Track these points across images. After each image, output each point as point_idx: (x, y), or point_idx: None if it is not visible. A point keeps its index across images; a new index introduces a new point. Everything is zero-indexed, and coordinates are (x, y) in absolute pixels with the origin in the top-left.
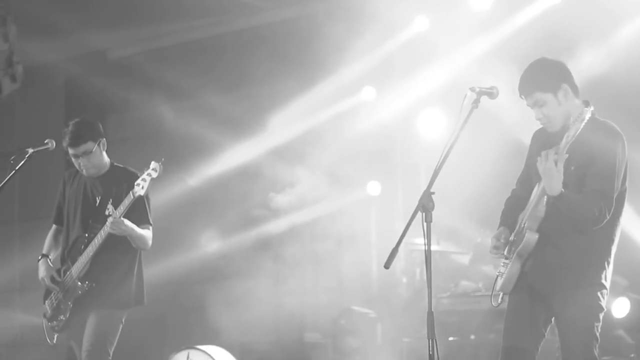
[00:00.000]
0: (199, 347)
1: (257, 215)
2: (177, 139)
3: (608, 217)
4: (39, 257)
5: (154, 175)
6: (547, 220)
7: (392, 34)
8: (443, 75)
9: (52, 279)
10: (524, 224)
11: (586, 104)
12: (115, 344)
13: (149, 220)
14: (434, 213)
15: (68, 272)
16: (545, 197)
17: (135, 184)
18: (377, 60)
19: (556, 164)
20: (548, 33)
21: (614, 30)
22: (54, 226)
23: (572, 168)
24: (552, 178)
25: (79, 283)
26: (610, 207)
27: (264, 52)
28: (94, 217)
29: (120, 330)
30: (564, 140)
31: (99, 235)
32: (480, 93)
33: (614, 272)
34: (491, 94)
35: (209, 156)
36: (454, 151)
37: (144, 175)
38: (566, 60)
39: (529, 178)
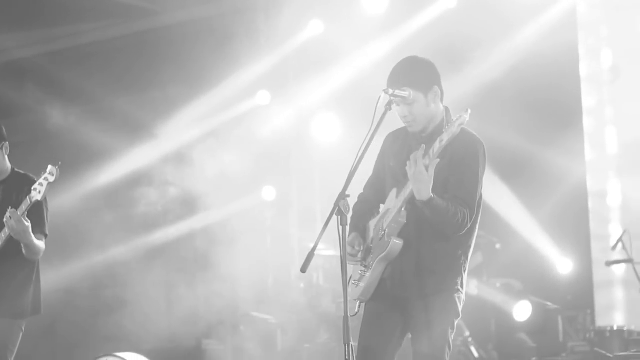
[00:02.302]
0: (117, 354)
1: (150, 221)
2: (70, 143)
3: (469, 225)
4: None
5: (51, 179)
6: (408, 226)
7: (287, 38)
8: (338, 80)
9: None
10: (385, 230)
11: (447, 110)
12: (15, 352)
13: (44, 230)
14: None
15: None
16: (405, 203)
17: (32, 188)
18: (272, 64)
19: (427, 168)
20: (445, 37)
21: (508, 34)
22: None
23: (438, 172)
24: (422, 182)
25: None
26: (472, 215)
27: (159, 56)
28: None
29: (20, 338)
30: (436, 145)
31: None
32: (394, 96)
33: (510, 276)
34: (404, 98)
35: (102, 161)
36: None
37: (41, 180)
38: (464, 65)
39: (380, 181)
